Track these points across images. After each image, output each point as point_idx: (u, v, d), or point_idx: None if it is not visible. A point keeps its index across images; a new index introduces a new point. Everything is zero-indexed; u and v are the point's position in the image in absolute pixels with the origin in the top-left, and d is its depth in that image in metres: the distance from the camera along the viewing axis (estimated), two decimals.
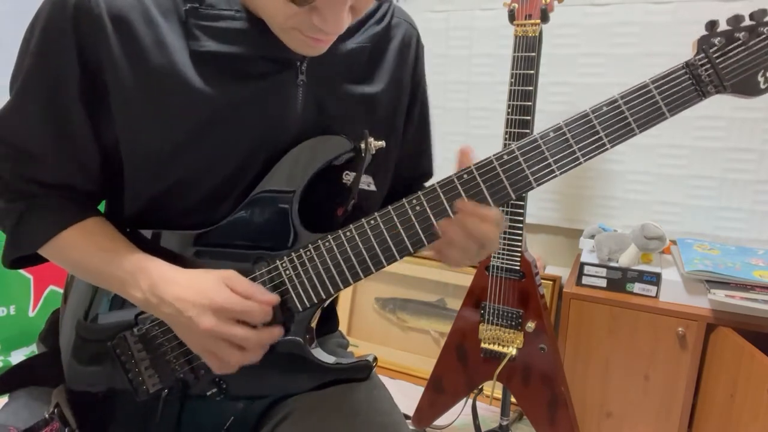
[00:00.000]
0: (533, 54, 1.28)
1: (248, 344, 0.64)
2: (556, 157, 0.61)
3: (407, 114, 0.81)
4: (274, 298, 0.65)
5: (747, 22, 0.60)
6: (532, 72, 1.28)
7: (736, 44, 0.60)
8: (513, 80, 1.30)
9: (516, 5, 1.30)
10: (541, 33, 1.29)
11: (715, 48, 0.60)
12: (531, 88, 1.28)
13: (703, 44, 0.60)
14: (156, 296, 0.63)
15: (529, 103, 1.28)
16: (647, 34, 1.62)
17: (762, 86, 0.60)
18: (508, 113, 1.31)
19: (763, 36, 0.59)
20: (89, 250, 0.67)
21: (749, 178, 1.59)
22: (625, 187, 1.74)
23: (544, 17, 1.28)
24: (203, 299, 0.62)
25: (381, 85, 0.75)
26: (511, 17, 1.31)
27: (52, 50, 0.62)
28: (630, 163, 1.72)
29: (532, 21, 1.28)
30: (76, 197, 0.70)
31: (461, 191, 0.62)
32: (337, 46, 0.69)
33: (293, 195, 0.69)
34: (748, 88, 0.60)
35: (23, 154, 0.66)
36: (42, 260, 0.72)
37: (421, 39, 0.81)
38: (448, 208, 0.63)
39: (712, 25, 0.60)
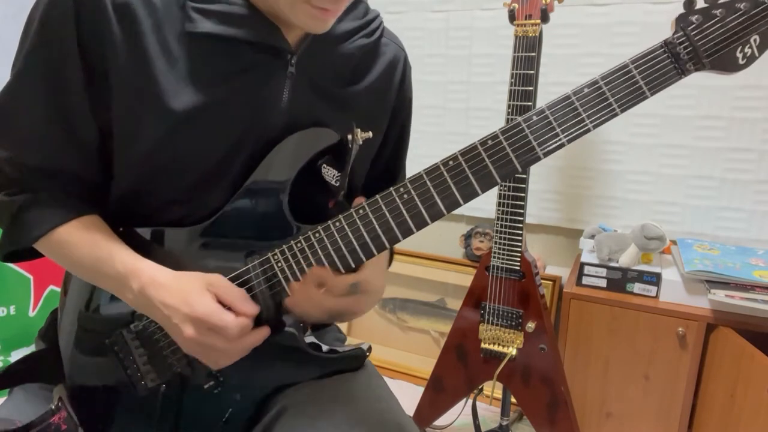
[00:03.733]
0: (533, 54, 1.28)
1: (229, 352, 0.65)
2: (540, 140, 0.62)
3: (385, 134, 0.83)
4: (254, 308, 0.66)
5: None
6: (532, 72, 1.28)
7: (713, 21, 0.60)
8: (513, 80, 1.30)
9: (516, 5, 1.30)
10: (541, 33, 1.29)
11: (693, 26, 0.60)
12: (531, 88, 1.28)
13: (680, 22, 0.61)
14: (146, 298, 0.65)
15: (530, 103, 1.28)
16: (647, 34, 1.61)
17: (741, 62, 0.60)
18: (508, 113, 1.31)
19: (740, 12, 0.59)
20: (83, 248, 0.68)
21: (749, 178, 1.59)
22: (625, 187, 1.74)
23: (544, 17, 1.28)
24: (185, 308, 0.63)
25: (363, 92, 0.76)
26: (511, 17, 1.31)
27: (53, 32, 0.62)
28: (630, 163, 1.72)
29: (532, 21, 1.28)
30: (76, 189, 0.70)
31: (447, 178, 0.63)
32: (327, 47, 0.71)
33: (284, 187, 0.70)
34: (726, 64, 0.60)
35: (21, 135, 0.67)
36: (38, 255, 0.72)
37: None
38: (435, 195, 0.64)
39: (689, 3, 0.60)
